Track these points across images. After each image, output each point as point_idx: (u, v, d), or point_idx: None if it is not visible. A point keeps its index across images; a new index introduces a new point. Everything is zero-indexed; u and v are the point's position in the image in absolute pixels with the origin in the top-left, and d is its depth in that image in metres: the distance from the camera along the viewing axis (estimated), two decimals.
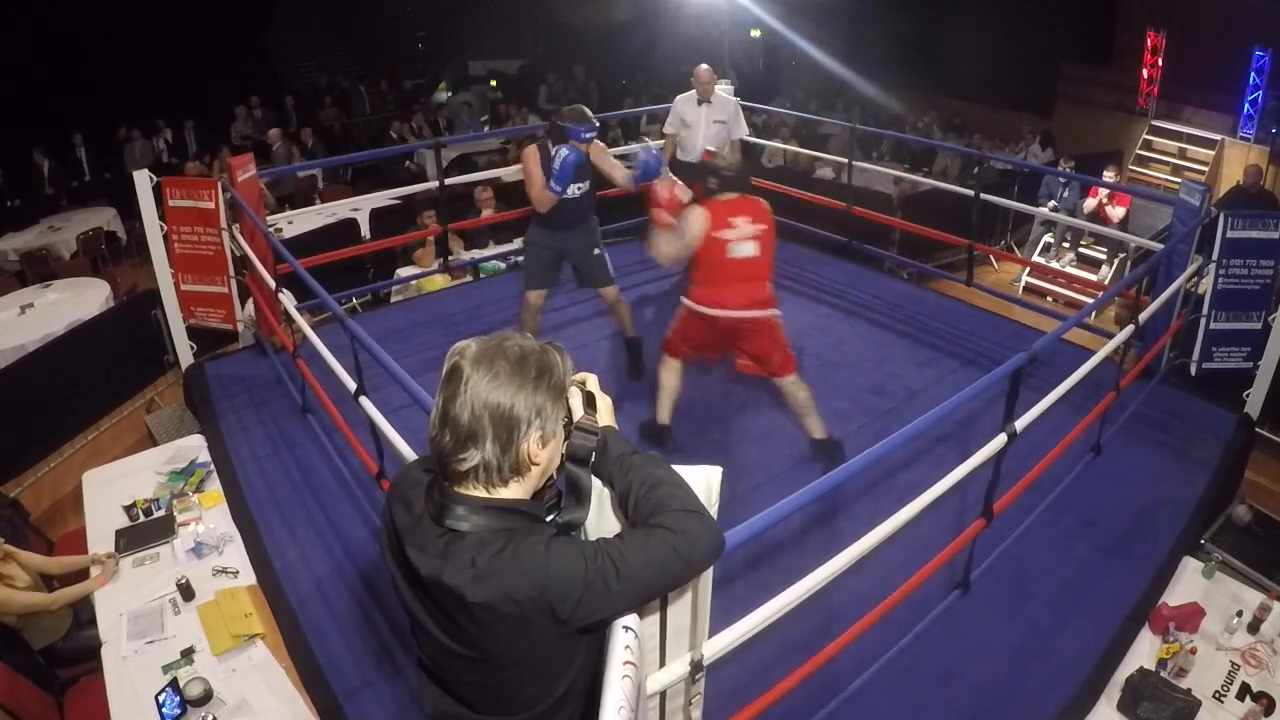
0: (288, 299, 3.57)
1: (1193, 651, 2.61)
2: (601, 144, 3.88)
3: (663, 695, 1.73)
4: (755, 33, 13.02)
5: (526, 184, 3.78)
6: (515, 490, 1.19)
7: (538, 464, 1.19)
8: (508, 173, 6.92)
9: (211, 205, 4.30)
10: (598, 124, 3.72)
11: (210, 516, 3.35)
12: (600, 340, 4.69)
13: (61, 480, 4.45)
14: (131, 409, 4.91)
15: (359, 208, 6.72)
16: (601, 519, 1.34)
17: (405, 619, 1.30)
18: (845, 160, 5.75)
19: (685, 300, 3.42)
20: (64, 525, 4.05)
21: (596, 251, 4.02)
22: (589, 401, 1.30)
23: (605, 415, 1.32)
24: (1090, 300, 5.16)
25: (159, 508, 3.37)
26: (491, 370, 1.13)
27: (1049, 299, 7.10)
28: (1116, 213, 6.83)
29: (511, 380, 1.14)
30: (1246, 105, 8.73)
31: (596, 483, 1.30)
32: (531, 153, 3.74)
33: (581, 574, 1.11)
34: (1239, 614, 2.73)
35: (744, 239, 3.28)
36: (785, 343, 3.45)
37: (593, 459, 1.26)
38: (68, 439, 4.60)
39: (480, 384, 1.13)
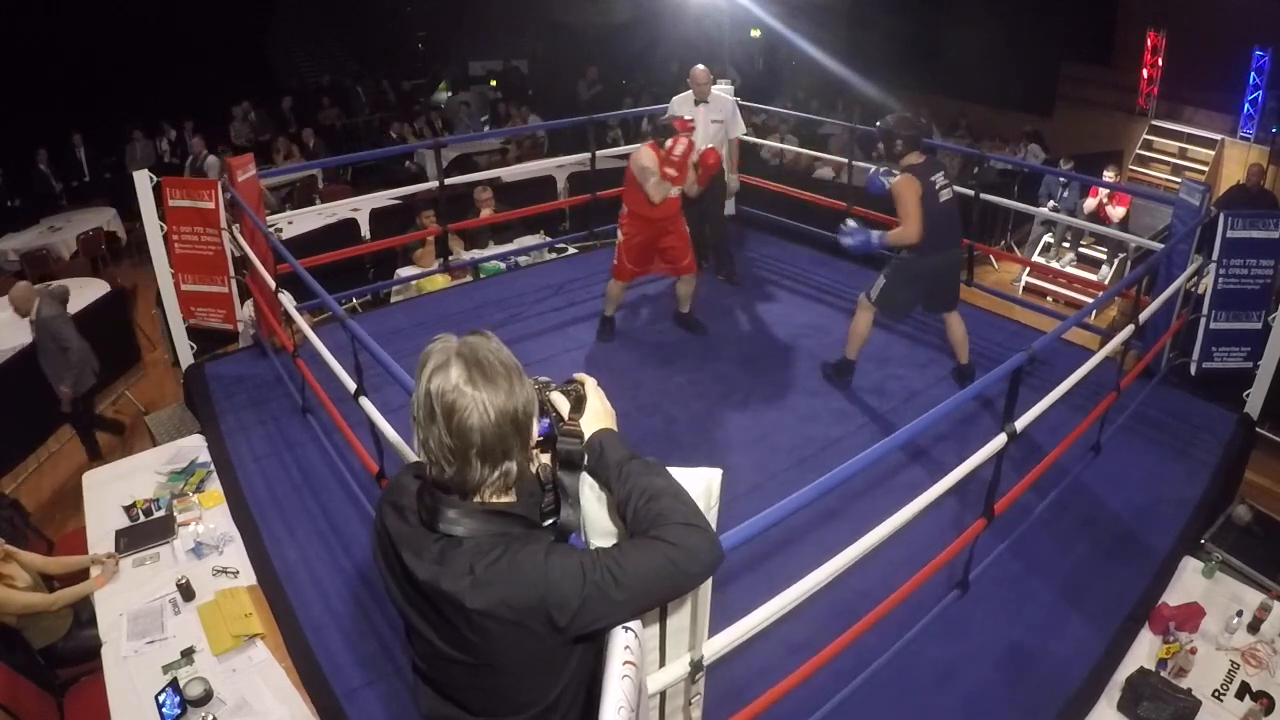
0: (288, 299, 3.57)
1: (1193, 651, 2.61)
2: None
3: (663, 695, 1.73)
4: (755, 33, 13.01)
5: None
6: (505, 493, 1.19)
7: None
8: (508, 173, 6.97)
9: (211, 205, 4.29)
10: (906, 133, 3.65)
11: (210, 516, 3.35)
12: (601, 340, 4.69)
13: (61, 479, 4.46)
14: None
15: (359, 208, 6.72)
16: (600, 520, 1.34)
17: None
18: (845, 160, 5.74)
19: None
20: (64, 525, 4.05)
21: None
22: (576, 405, 1.29)
23: (605, 419, 1.31)
24: (1090, 300, 5.15)
25: (159, 508, 3.38)
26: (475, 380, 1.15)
27: (1049, 299, 7.10)
28: (1116, 213, 6.83)
29: (494, 387, 1.14)
30: (1246, 105, 8.72)
31: (596, 484, 1.30)
32: (909, 183, 3.52)
33: (580, 584, 1.11)
34: (1239, 614, 2.73)
35: None
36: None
37: (585, 462, 1.26)
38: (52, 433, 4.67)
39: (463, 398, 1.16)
